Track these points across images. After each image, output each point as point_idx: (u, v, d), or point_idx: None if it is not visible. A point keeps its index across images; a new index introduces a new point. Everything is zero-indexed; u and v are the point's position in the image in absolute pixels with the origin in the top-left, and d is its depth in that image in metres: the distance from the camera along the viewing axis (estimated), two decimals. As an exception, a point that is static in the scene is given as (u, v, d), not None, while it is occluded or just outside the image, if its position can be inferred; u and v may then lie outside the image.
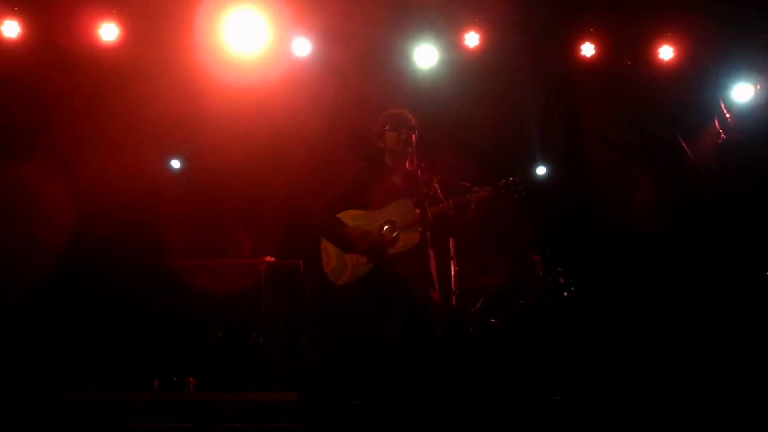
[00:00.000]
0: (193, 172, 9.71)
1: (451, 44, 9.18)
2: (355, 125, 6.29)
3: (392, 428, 3.98)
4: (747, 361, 7.51)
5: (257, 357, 7.10)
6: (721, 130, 10.35)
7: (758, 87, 9.83)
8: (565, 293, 7.84)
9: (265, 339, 7.19)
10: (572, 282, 7.94)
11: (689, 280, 9.41)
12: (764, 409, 4.99)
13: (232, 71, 8.90)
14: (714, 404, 6.08)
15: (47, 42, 8.44)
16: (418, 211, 5.54)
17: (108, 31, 8.49)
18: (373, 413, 4.11)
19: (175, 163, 9.82)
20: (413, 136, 5.87)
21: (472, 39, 9.07)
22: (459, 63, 9.34)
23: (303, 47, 8.80)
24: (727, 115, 10.20)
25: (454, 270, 7.61)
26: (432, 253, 5.70)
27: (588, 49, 9.39)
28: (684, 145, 9.94)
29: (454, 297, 7.41)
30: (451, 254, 7.51)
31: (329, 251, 5.74)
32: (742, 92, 9.93)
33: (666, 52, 9.49)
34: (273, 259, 7.28)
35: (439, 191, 5.89)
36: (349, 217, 5.74)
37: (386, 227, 5.67)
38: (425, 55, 9.22)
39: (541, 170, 10.51)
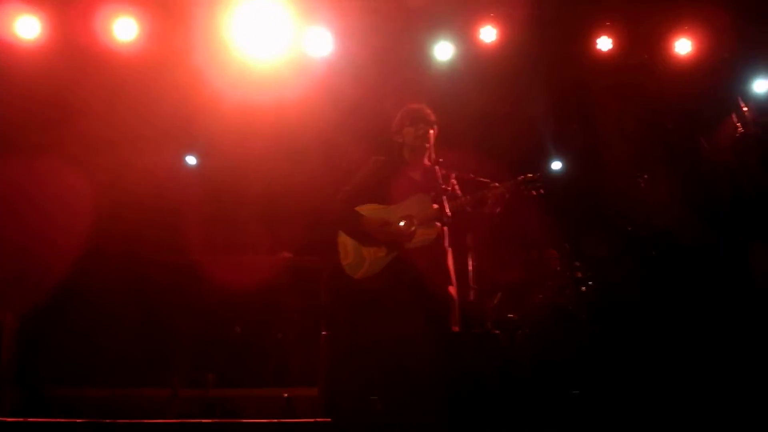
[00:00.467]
0: (209, 168, 9.72)
1: (468, 39, 9.17)
2: (374, 120, 6.27)
3: (411, 423, 3.98)
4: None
5: (276, 353, 7.13)
6: (739, 124, 10.30)
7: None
8: (583, 288, 7.82)
9: (284, 335, 7.21)
10: (590, 277, 7.92)
11: (705, 275, 9.37)
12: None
13: (249, 67, 8.92)
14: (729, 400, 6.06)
15: (65, 39, 8.47)
16: (435, 206, 5.53)
17: (125, 28, 8.51)
18: (393, 409, 4.11)
19: (191, 160, 9.83)
20: (431, 131, 5.86)
21: (488, 34, 9.05)
22: (475, 58, 9.32)
23: (321, 43, 8.78)
24: (745, 109, 10.14)
25: (472, 265, 7.60)
26: (449, 249, 5.69)
27: (604, 43, 9.35)
28: (702, 141, 9.88)
29: (471, 292, 7.40)
30: (469, 249, 7.49)
31: (347, 245, 5.74)
32: (760, 86, 9.86)
33: (683, 46, 9.44)
34: (291, 255, 7.30)
35: (457, 187, 5.88)
36: (367, 211, 5.74)
37: (404, 222, 5.67)
38: (442, 51, 9.21)
39: (556, 165, 10.48)
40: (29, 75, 8.49)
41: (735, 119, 10.13)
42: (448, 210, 5.40)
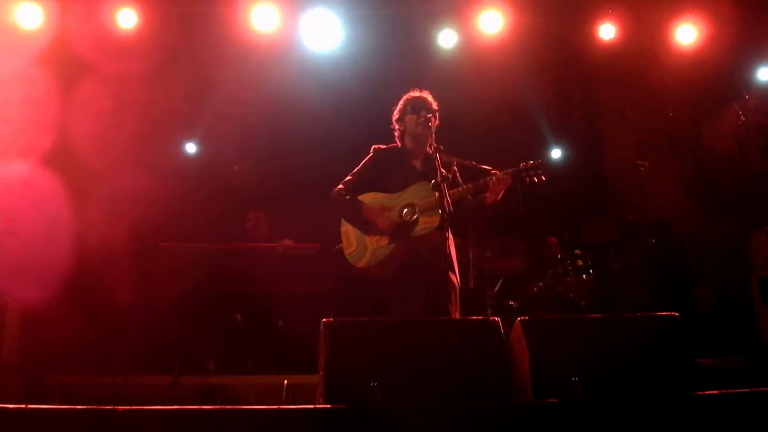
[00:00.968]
0: (210, 155, 9.72)
1: (470, 27, 9.14)
2: (375, 107, 6.26)
3: (412, 410, 3.99)
4: None
5: (277, 340, 7.13)
6: (741, 112, 10.28)
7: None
8: (584, 276, 7.82)
9: (285, 322, 7.22)
10: (591, 264, 7.92)
11: (707, 262, 9.38)
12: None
13: (251, 53, 8.92)
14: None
15: (69, 28, 8.48)
16: (437, 194, 5.52)
17: (126, 18, 8.52)
18: (395, 395, 4.11)
19: (191, 147, 9.82)
20: (433, 119, 5.84)
21: (490, 21, 9.02)
22: (477, 45, 9.30)
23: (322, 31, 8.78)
24: (748, 97, 10.12)
25: (473, 252, 7.59)
26: (451, 236, 5.68)
27: (607, 31, 9.32)
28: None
29: (472, 279, 7.40)
30: (470, 237, 7.49)
31: (349, 234, 5.75)
32: (763, 74, 9.83)
33: (686, 34, 9.40)
34: (292, 242, 7.31)
35: (458, 174, 5.87)
36: (369, 199, 5.74)
37: (406, 210, 5.67)
38: (444, 38, 9.20)
39: (555, 153, 10.47)
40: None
41: (738, 107, 10.12)
42: (449, 198, 5.40)
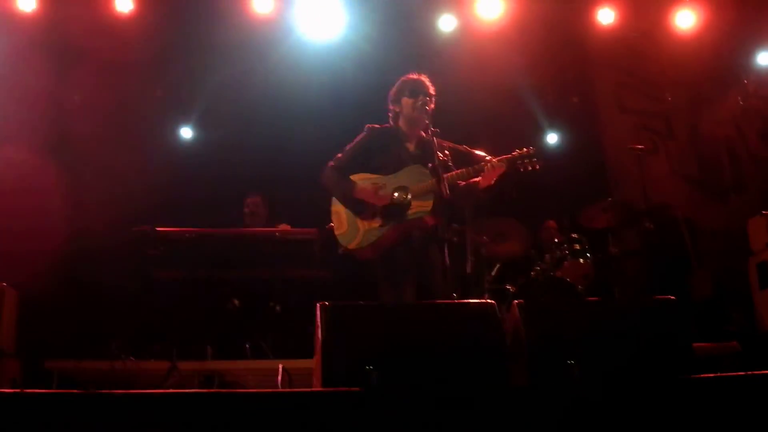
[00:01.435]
0: (207, 140, 9.71)
1: (469, 12, 9.13)
2: (373, 91, 6.25)
3: (408, 393, 3.99)
4: None
5: (274, 324, 7.13)
6: (739, 97, 10.27)
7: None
8: (582, 260, 7.83)
9: (283, 307, 7.22)
10: (588, 249, 7.92)
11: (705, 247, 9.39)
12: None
13: (250, 37, 8.92)
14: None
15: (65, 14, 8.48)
16: (433, 180, 5.51)
17: (123, 3, 8.53)
18: (391, 379, 4.12)
19: (186, 132, 9.81)
20: (430, 103, 5.82)
21: (489, 6, 9.01)
22: (476, 30, 9.29)
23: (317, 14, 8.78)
24: (746, 82, 10.11)
25: (470, 237, 7.59)
26: (443, 221, 5.68)
27: (605, 15, 9.30)
28: None
29: (470, 264, 7.41)
30: (468, 222, 7.49)
31: (341, 214, 5.72)
32: (762, 58, 9.81)
33: (685, 18, 9.38)
34: (289, 226, 7.30)
35: (449, 159, 5.82)
36: (360, 180, 5.72)
37: (398, 192, 5.65)
38: (443, 23, 9.19)
39: (552, 138, 10.46)
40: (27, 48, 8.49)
41: (736, 92, 10.11)
42: (444, 182, 5.39)
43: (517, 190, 6.00)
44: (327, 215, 5.84)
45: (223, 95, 9.33)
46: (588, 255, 7.91)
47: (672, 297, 4.82)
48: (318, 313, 4.37)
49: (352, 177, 5.75)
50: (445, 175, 5.44)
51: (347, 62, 9.32)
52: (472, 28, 9.29)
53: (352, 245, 5.67)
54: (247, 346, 6.88)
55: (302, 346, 6.24)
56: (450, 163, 5.70)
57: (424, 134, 5.82)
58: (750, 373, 4.47)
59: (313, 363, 4.66)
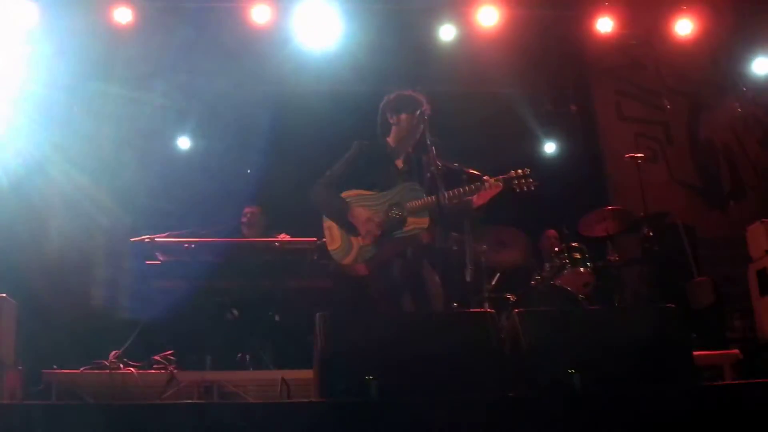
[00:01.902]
0: (205, 150, 9.72)
1: (467, 20, 9.14)
2: (372, 102, 6.25)
3: (408, 403, 3.98)
4: None
5: (273, 335, 7.12)
6: (738, 104, 10.28)
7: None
8: (582, 269, 7.81)
9: (282, 316, 7.21)
10: (588, 257, 7.91)
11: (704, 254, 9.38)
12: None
13: (248, 48, 8.93)
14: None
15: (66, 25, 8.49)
16: (428, 198, 5.53)
17: (122, 15, 8.54)
18: (391, 388, 4.10)
19: (184, 142, 9.81)
20: (424, 121, 5.81)
21: (487, 15, 9.01)
22: (474, 39, 9.29)
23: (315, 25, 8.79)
24: (745, 89, 10.11)
25: (470, 246, 7.57)
26: (438, 236, 5.69)
27: (604, 24, 9.31)
28: None
29: (469, 273, 7.39)
30: (467, 230, 7.47)
31: (333, 229, 5.70)
32: (760, 65, 9.81)
33: (684, 27, 9.39)
34: (288, 236, 7.29)
35: (439, 175, 5.76)
36: (356, 197, 5.70)
37: (393, 209, 5.64)
38: (441, 32, 9.20)
39: (550, 147, 10.47)
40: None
41: (735, 99, 10.11)
42: (438, 201, 5.40)
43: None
44: (321, 228, 5.83)
45: (222, 105, 9.34)
46: (588, 263, 7.88)
47: (672, 305, 4.82)
48: (317, 322, 4.36)
49: (346, 193, 5.74)
50: (441, 195, 5.44)
51: (345, 72, 9.31)
52: (470, 38, 9.29)
53: (346, 261, 5.65)
54: (247, 356, 6.87)
55: (302, 356, 6.23)
56: (438, 181, 5.65)
57: (412, 151, 5.84)
58: (751, 381, 4.47)
59: (313, 373, 4.65)
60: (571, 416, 4.10)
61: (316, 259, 6.75)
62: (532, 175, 5.74)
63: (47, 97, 8.62)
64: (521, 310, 4.68)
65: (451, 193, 5.60)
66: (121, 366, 6.44)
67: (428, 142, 5.58)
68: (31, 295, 7.47)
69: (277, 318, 7.23)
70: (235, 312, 7.31)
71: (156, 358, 6.58)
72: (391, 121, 5.91)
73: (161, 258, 6.85)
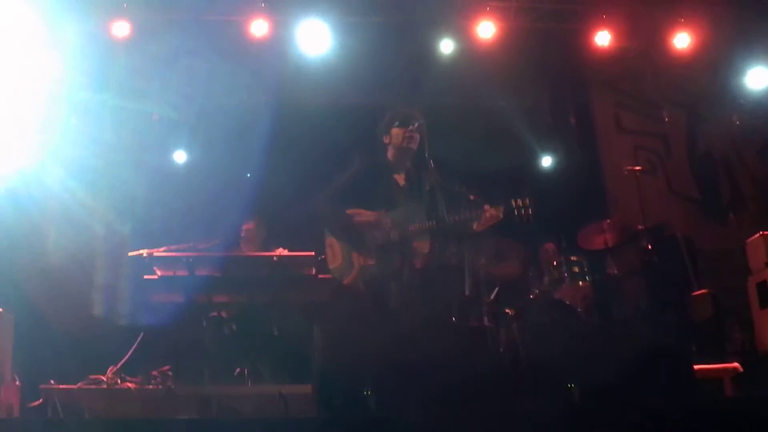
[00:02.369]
0: (203, 163, 9.72)
1: (465, 34, 9.14)
2: (371, 115, 6.26)
3: (406, 417, 3.96)
4: None
5: (272, 349, 7.09)
6: (736, 116, 10.28)
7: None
8: (581, 282, 7.79)
9: (280, 331, 7.19)
10: (587, 270, 7.89)
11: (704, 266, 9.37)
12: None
13: (247, 61, 8.94)
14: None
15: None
16: (432, 223, 5.54)
17: (120, 28, 8.55)
18: (389, 403, 4.09)
19: (180, 156, 9.81)
20: (419, 135, 5.82)
21: (485, 28, 9.02)
22: (473, 52, 9.30)
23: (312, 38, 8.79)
24: (742, 101, 10.11)
25: (468, 258, 7.56)
26: (437, 260, 5.71)
27: (602, 37, 9.31)
28: None
29: (468, 286, 7.38)
30: (466, 243, 7.47)
31: (335, 247, 5.70)
32: (758, 78, 9.80)
33: (682, 40, 9.39)
34: (286, 250, 7.27)
35: (440, 192, 5.77)
36: (354, 214, 5.69)
37: (395, 231, 5.64)
38: (441, 46, 9.20)
39: (548, 160, 10.47)
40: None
41: (733, 111, 10.12)
42: (445, 215, 5.43)
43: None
44: (322, 241, 5.82)
45: (220, 117, 9.34)
46: (587, 276, 7.87)
47: (671, 317, 4.81)
48: (315, 336, 4.35)
49: (347, 212, 5.74)
50: (442, 220, 5.47)
51: (343, 84, 9.32)
52: (469, 51, 9.29)
53: (347, 280, 5.66)
54: (245, 370, 6.84)
55: (300, 371, 6.21)
56: (438, 195, 5.66)
57: (411, 166, 5.84)
58: (751, 394, 4.46)
59: (311, 387, 4.64)
60: (571, 429, 4.08)
61: (314, 273, 6.72)
62: (532, 206, 5.77)
63: (45, 109, 8.61)
64: (520, 323, 4.66)
65: (451, 218, 5.62)
66: (119, 381, 6.41)
67: (426, 155, 5.59)
68: (29, 307, 7.46)
69: (275, 332, 7.21)
70: (233, 326, 7.30)
71: (153, 373, 6.55)
72: (386, 141, 5.94)
73: (159, 272, 6.82)
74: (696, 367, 5.14)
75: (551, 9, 9.42)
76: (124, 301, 7.63)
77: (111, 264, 8.11)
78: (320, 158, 8.33)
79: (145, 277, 6.88)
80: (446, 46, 9.25)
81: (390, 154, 5.93)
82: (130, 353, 6.79)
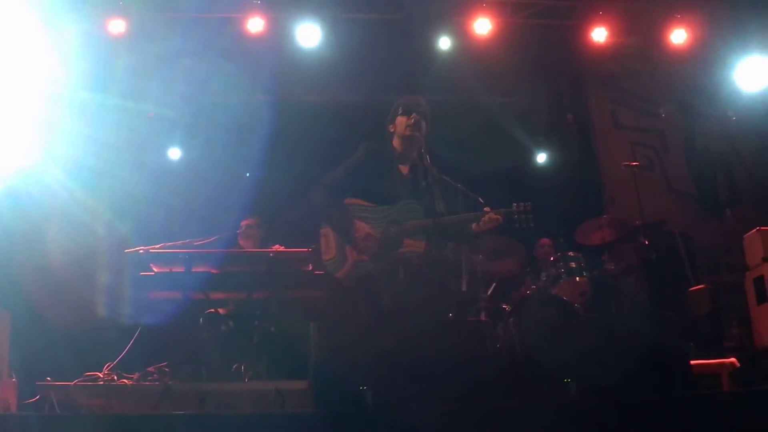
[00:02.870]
0: (199, 160, 9.72)
1: (463, 30, 9.15)
2: (361, 111, 6.26)
3: (403, 413, 3.96)
4: None
5: (269, 346, 7.09)
6: (732, 112, 10.29)
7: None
8: (578, 278, 7.79)
9: (277, 327, 7.19)
10: (585, 266, 7.89)
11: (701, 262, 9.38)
12: None
13: (245, 58, 8.93)
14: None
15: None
16: (430, 221, 5.52)
17: (116, 26, 8.55)
18: (385, 398, 4.08)
19: (175, 153, 9.81)
20: (424, 122, 5.78)
21: (482, 25, 9.02)
22: (470, 49, 9.30)
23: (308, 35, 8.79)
24: (739, 97, 10.12)
25: (465, 255, 7.57)
26: (432, 259, 5.69)
27: (599, 34, 9.32)
28: None
29: (465, 282, 7.38)
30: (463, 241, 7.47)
31: (329, 238, 5.65)
32: (754, 73, 9.80)
33: (678, 36, 9.40)
34: (282, 247, 7.26)
35: (442, 188, 5.76)
36: (356, 206, 5.66)
37: (390, 228, 5.61)
38: (437, 42, 9.21)
39: (545, 156, 10.48)
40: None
41: (729, 107, 10.12)
42: (437, 224, 5.42)
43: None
44: (317, 236, 5.80)
45: (218, 115, 9.34)
46: (584, 272, 7.86)
47: (669, 313, 4.81)
48: (312, 333, 4.35)
49: (346, 201, 5.70)
50: (442, 219, 5.45)
51: (341, 82, 9.33)
52: (466, 48, 9.30)
53: (339, 274, 5.62)
54: (242, 367, 6.83)
55: (297, 367, 6.21)
56: (435, 191, 5.64)
57: (417, 156, 5.81)
58: (749, 389, 4.45)
59: (308, 383, 4.64)
60: (568, 425, 4.08)
61: (311, 269, 6.71)
62: (533, 211, 5.76)
63: (43, 107, 8.60)
64: (517, 319, 4.66)
65: (450, 218, 5.60)
66: (115, 378, 6.40)
67: (422, 151, 5.58)
68: (27, 304, 7.46)
69: (272, 329, 7.20)
70: (230, 323, 7.29)
71: (150, 369, 6.55)
72: (391, 129, 5.90)
73: (155, 269, 6.81)
74: (693, 362, 5.14)
75: (548, 5, 9.43)
76: (125, 300, 7.61)
77: (111, 263, 8.08)
78: (318, 156, 8.32)
79: (142, 274, 6.87)
80: (443, 43, 9.25)
81: (395, 143, 5.89)
82: (126, 350, 6.78)
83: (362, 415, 3.93)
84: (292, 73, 9.30)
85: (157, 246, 6.98)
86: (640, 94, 10.82)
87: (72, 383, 6.34)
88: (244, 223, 8.23)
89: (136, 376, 6.50)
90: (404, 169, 5.88)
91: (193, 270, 6.71)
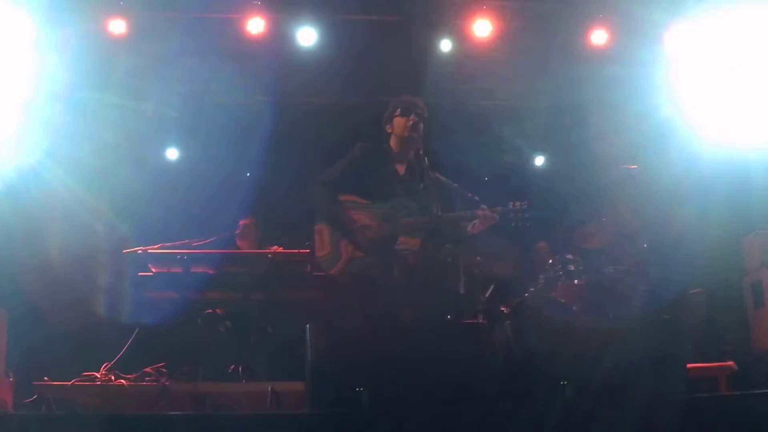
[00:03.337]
0: (197, 161, 9.73)
1: (462, 32, 9.14)
2: (359, 112, 6.26)
3: (399, 415, 3.96)
4: None
5: (266, 346, 7.09)
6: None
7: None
8: (576, 281, 7.79)
9: (274, 328, 7.19)
10: (583, 269, 7.89)
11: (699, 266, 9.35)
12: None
13: (242, 58, 8.93)
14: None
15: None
16: (423, 218, 5.52)
17: (116, 26, 8.55)
18: (381, 399, 4.09)
19: (172, 153, 9.81)
20: (422, 124, 5.79)
21: (481, 27, 9.02)
22: (469, 51, 9.30)
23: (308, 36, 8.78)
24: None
25: (463, 256, 7.57)
26: (427, 257, 5.69)
27: (598, 36, 9.31)
28: None
29: (462, 284, 7.38)
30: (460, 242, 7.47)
31: (323, 234, 5.65)
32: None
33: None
34: (281, 248, 7.27)
35: (438, 188, 5.75)
36: (351, 202, 5.67)
37: (386, 224, 5.61)
38: (437, 44, 9.20)
39: (540, 160, 10.48)
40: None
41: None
42: (440, 213, 5.40)
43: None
44: (310, 233, 5.80)
45: (217, 115, 9.34)
46: (582, 276, 7.87)
47: (667, 317, 4.81)
48: (308, 334, 4.35)
49: (341, 197, 5.70)
50: (436, 218, 5.44)
51: (340, 83, 9.33)
52: (465, 50, 9.29)
53: (332, 271, 5.62)
54: (239, 368, 6.84)
55: (294, 368, 6.20)
56: (431, 193, 5.63)
57: (414, 157, 5.80)
58: (746, 393, 4.46)
59: (304, 384, 4.64)
60: (564, 427, 4.08)
61: (309, 270, 6.71)
62: (530, 210, 5.75)
63: (42, 107, 8.59)
64: (515, 321, 4.66)
65: (446, 216, 5.59)
66: (113, 378, 6.40)
67: (420, 152, 5.58)
68: (26, 304, 7.46)
69: (269, 329, 7.20)
70: (228, 323, 7.29)
71: (147, 370, 6.55)
72: (388, 129, 5.91)
73: (153, 269, 6.82)
74: (691, 366, 5.14)
75: (548, 7, 9.41)
76: (124, 300, 7.61)
77: (111, 262, 8.08)
78: (317, 156, 8.31)
79: (140, 274, 6.88)
80: (442, 45, 9.25)
81: (393, 143, 5.90)
82: (124, 350, 6.79)
83: (358, 416, 3.93)
84: (292, 74, 9.29)
85: (156, 246, 6.99)
86: (639, 96, 10.78)
87: (69, 383, 6.34)
88: (241, 223, 8.24)
89: (133, 376, 6.51)
90: (401, 168, 5.88)
91: (192, 270, 6.72)
